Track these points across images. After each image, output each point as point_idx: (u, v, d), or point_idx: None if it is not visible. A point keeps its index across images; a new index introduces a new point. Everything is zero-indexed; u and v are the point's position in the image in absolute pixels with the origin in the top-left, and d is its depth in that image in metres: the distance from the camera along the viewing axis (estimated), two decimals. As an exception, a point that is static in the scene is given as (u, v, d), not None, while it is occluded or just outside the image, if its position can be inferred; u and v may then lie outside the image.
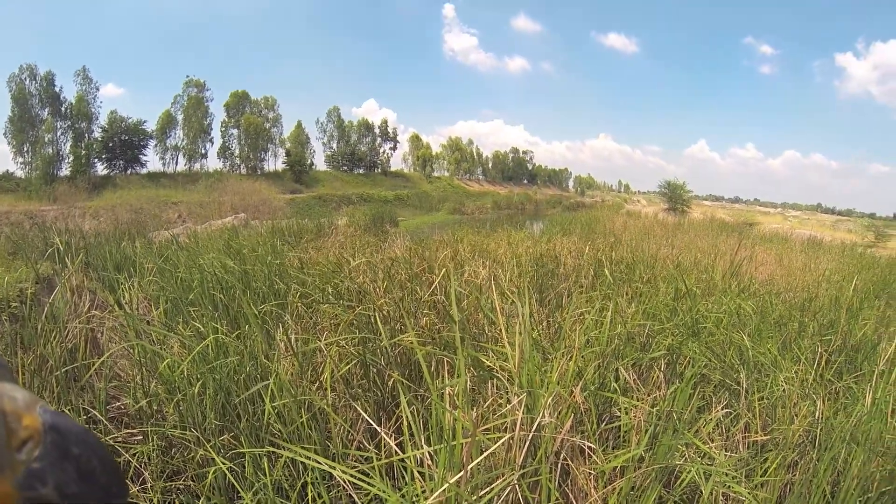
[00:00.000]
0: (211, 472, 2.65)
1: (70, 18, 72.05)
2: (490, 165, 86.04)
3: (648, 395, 3.04)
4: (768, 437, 3.03)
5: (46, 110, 41.58)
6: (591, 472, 2.46)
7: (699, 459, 2.63)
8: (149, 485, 2.87)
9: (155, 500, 2.82)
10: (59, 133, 41.93)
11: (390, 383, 3.43)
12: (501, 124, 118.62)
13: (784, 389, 3.37)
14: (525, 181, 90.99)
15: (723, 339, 4.11)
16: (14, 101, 40.57)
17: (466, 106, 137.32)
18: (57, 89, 41.98)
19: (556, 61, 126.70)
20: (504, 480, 2.13)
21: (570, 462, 2.49)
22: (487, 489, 2.09)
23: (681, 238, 15.11)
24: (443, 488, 1.94)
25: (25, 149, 40.69)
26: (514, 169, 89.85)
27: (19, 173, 40.59)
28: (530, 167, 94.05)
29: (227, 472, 2.47)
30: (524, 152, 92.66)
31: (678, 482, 2.55)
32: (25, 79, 40.98)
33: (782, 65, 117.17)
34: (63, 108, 42.27)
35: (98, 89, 44.69)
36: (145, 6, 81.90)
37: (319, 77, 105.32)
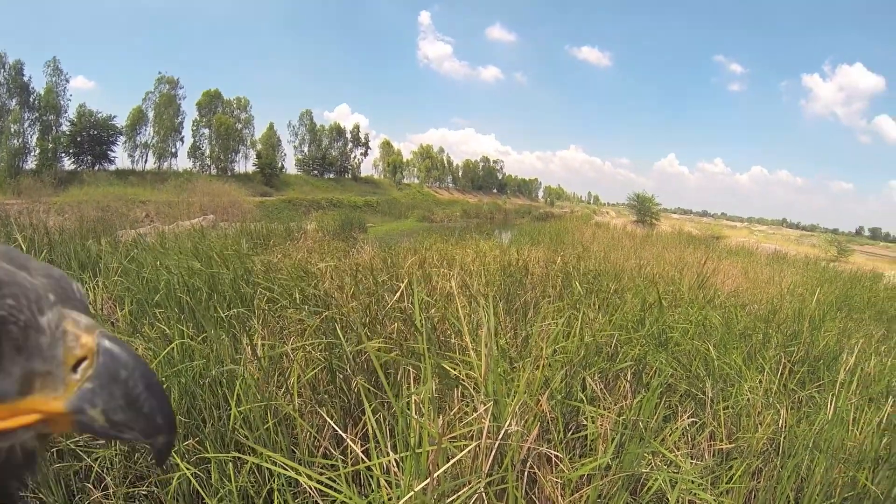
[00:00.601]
0: (175, 478, 2.62)
1: (42, 5, 70.12)
2: (460, 174, 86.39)
3: (615, 405, 3.07)
4: (733, 445, 3.10)
5: (14, 100, 40.62)
6: (558, 480, 2.47)
7: (665, 467, 2.66)
8: (111, 490, 2.83)
9: (118, 507, 2.78)
10: (26, 125, 40.98)
11: (357, 389, 3.41)
12: (473, 133, 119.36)
13: (748, 399, 3.46)
14: (495, 190, 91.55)
15: (689, 349, 4.18)
16: None
17: (439, 114, 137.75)
18: (26, 79, 41.15)
19: (529, 72, 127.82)
20: (470, 488, 2.13)
21: (536, 470, 2.51)
22: (454, 497, 2.09)
23: (649, 250, 15.28)
24: (408, 495, 1.94)
25: None
26: (485, 178, 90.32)
27: None
28: (500, 176, 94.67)
29: (191, 477, 2.44)
30: (494, 161, 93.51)
31: (645, 490, 2.58)
32: None
33: (751, 83, 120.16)
34: (31, 99, 41.31)
35: (68, 81, 43.85)
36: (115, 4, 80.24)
37: (293, 80, 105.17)
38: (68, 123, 43.61)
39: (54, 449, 3.08)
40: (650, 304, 5.01)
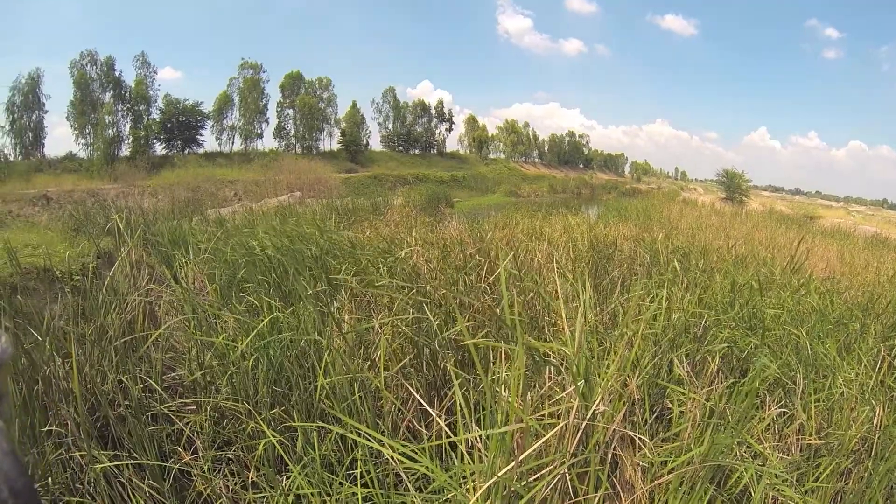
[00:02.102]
0: (261, 445, 2.69)
1: (128, 6, 73.78)
2: (546, 149, 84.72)
3: (702, 389, 2.95)
4: (823, 441, 2.92)
5: (108, 94, 42.98)
6: (640, 463, 2.41)
7: (751, 459, 2.56)
8: (200, 453, 2.94)
9: (205, 468, 2.89)
10: (118, 115, 43.29)
11: (443, 365, 3.42)
12: (557, 107, 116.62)
13: (842, 392, 3.23)
14: (581, 165, 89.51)
15: (780, 335, 3.99)
16: (76, 85, 41.95)
17: (522, 88, 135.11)
18: (117, 74, 43.30)
19: (611, 44, 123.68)
20: (554, 469, 2.10)
21: (619, 452, 2.45)
22: (537, 476, 2.07)
23: (738, 229, 14.71)
24: (492, 480, 1.93)
25: (87, 131, 42.06)
26: (570, 153, 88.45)
27: (82, 154, 41.98)
28: (586, 151, 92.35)
29: (276, 444, 2.50)
30: (580, 136, 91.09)
31: (728, 482, 2.49)
32: (86, 64, 42.34)
33: (848, 49, 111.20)
34: (123, 92, 43.65)
35: (156, 73, 45.98)
36: None
37: (373, 58, 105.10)
38: (158, 111, 45.95)
39: (149, 413, 3.22)
40: (741, 285, 4.82)
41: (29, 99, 40.10)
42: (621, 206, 23.32)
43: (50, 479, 2.89)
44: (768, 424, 2.93)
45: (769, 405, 3.05)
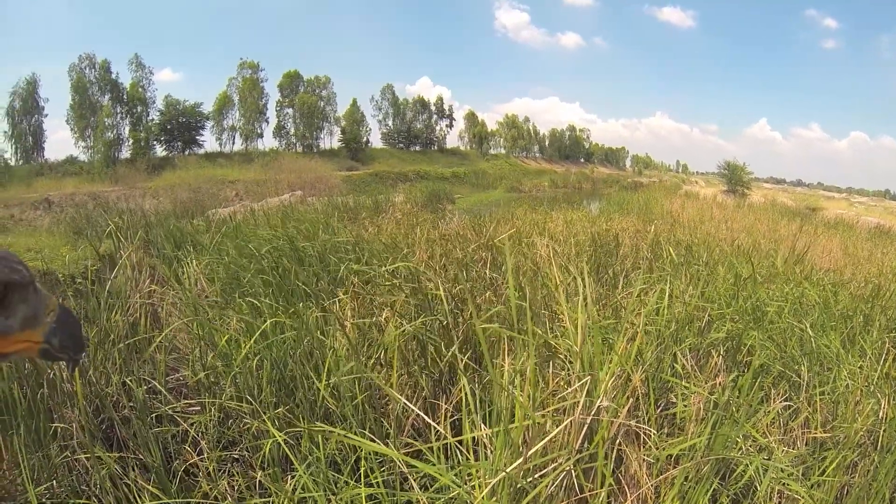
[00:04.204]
0: (266, 444, 2.70)
1: (125, 9, 74.28)
2: (547, 143, 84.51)
3: (706, 383, 2.95)
4: (829, 434, 2.90)
5: (106, 97, 43.21)
6: (645, 458, 2.41)
7: (756, 453, 2.56)
8: (205, 454, 2.95)
9: (211, 468, 2.91)
10: (118, 118, 43.58)
11: (447, 362, 3.42)
12: (557, 101, 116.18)
13: (847, 385, 3.22)
14: (582, 160, 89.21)
15: (784, 327, 3.98)
16: (73, 89, 42.15)
17: (521, 83, 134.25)
18: (113, 76, 43.55)
19: (609, 36, 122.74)
20: (560, 465, 2.10)
21: (624, 447, 2.45)
22: (542, 472, 2.07)
23: (740, 221, 14.68)
24: (499, 477, 1.93)
25: (87, 134, 42.30)
26: (571, 147, 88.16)
27: (82, 157, 42.33)
28: (587, 145, 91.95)
29: (282, 443, 2.50)
30: (581, 130, 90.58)
31: (733, 475, 2.49)
32: (85, 68, 42.51)
33: (847, 39, 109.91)
34: (121, 94, 43.89)
35: (152, 74, 46.14)
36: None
37: (371, 56, 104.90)
38: (157, 113, 46.32)
39: (154, 414, 3.24)
40: (744, 278, 4.82)
41: (28, 103, 40.40)
42: (623, 199, 23.25)
43: (55, 481, 2.90)
44: (773, 418, 2.91)
45: (774, 398, 3.04)
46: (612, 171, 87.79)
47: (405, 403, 2.78)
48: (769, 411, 2.88)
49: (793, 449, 2.82)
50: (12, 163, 39.01)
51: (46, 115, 41.66)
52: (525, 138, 78.78)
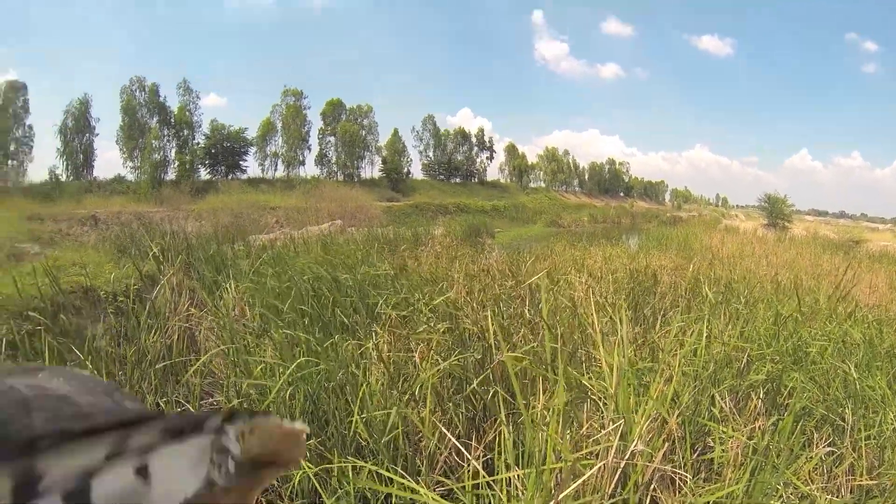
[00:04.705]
0: (297, 476, 2.70)
1: (177, 37, 77.48)
2: (586, 177, 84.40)
3: (745, 426, 2.87)
4: (875, 481, 2.80)
5: (154, 119, 44.95)
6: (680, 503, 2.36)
7: (798, 502, 2.48)
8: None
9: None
10: (165, 140, 45.23)
11: (482, 400, 3.41)
12: (597, 134, 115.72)
13: (894, 428, 3.12)
14: (621, 193, 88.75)
15: (827, 368, 3.87)
16: (123, 110, 43.96)
17: (561, 115, 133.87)
18: (161, 99, 45.31)
19: (649, 67, 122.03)
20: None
21: (659, 493, 2.40)
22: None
23: (781, 256, 14.39)
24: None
25: (135, 154, 43.88)
26: (610, 181, 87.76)
27: (130, 177, 43.82)
28: (626, 179, 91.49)
29: (312, 476, 2.50)
30: (620, 164, 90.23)
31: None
32: (135, 90, 44.47)
33: (888, 62, 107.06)
34: (169, 117, 45.62)
35: (199, 98, 47.92)
36: (242, 25, 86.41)
37: (412, 86, 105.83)
38: (203, 137, 48.00)
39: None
40: (784, 317, 4.71)
41: (80, 122, 42.11)
42: (662, 235, 23.03)
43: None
44: (816, 464, 2.81)
45: (816, 443, 2.94)
46: (651, 205, 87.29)
47: (436, 442, 2.77)
48: (811, 457, 2.77)
49: (837, 497, 2.74)
50: (63, 179, 40.70)
51: (97, 135, 43.33)
52: (565, 172, 78.72)
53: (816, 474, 2.82)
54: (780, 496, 2.51)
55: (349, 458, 2.72)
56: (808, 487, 2.57)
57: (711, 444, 2.86)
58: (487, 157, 67.17)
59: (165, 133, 45.16)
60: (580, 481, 2.08)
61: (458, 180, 63.21)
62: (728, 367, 3.59)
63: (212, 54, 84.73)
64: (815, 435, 3.09)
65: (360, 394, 3.03)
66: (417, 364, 3.60)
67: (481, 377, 3.45)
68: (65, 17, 67.17)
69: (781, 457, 2.49)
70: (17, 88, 40.37)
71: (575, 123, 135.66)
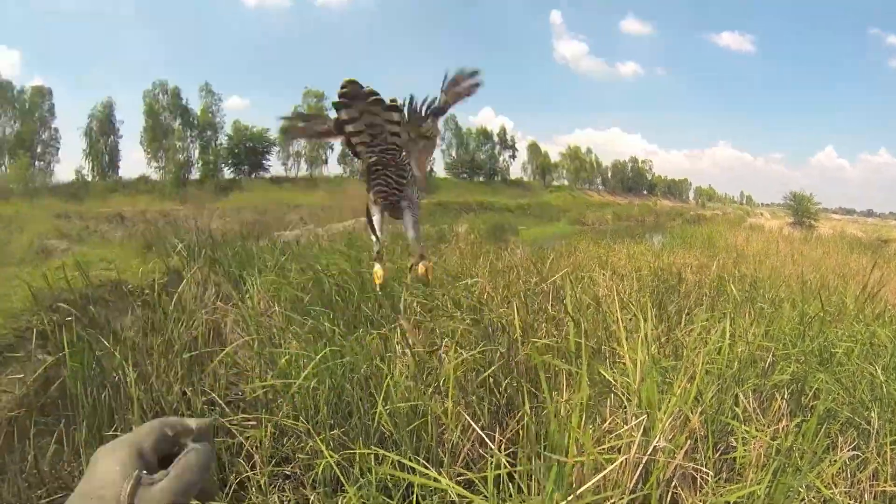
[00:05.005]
0: (319, 465, 2.73)
1: (199, 41, 79.21)
2: (609, 175, 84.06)
3: (768, 427, 2.84)
4: None
5: (177, 121, 46.71)
6: (700, 502, 2.35)
7: None
8: (258, 468, 3.00)
9: (262, 482, 2.95)
10: (188, 141, 47.03)
11: (507, 392, 3.42)
12: (619, 132, 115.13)
13: None
14: (644, 192, 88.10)
15: (853, 370, 3.82)
16: (146, 113, 45.73)
17: (582, 114, 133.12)
18: (183, 102, 47.18)
19: (669, 65, 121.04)
20: (612, 505, 2.07)
21: (680, 491, 2.40)
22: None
23: (807, 255, 14.18)
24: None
25: (159, 155, 45.54)
26: (634, 179, 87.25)
27: (154, 177, 45.33)
28: (649, 177, 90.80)
29: (334, 465, 2.52)
30: (643, 162, 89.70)
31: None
32: (158, 93, 46.31)
33: None
34: (192, 119, 47.40)
35: (221, 100, 49.73)
36: (261, 29, 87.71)
37: (434, 86, 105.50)
38: (226, 137, 49.59)
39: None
40: (810, 316, 4.66)
41: (104, 125, 43.88)
42: (686, 233, 22.84)
43: None
44: (839, 468, 2.76)
45: (840, 446, 2.89)
46: (674, 203, 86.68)
47: (459, 434, 2.79)
48: (835, 460, 2.73)
49: (859, 503, 2.71)
50: (89, 179, 41.91)
51: (121, 136, 45.19)
52: (588, 170, 78.51)
53: (839, 478, 2.76)
54: (802, 499, 2.49)
55: (372, 447, 2.75)
56: (831, 492, 2.53)
57: (734, 443, 2.84)
58: (510, 156, 67.31)
59: (189, 134, 46.70)
60: (601, 475, 2.09)
61: (481, 179, 63.25)
62: (752, 366, 3.56)
63: (233, 58, 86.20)
64: (840, 438, 3.02)
65: (385, 385, 3.06)
66: (442, 356, 3.62)
67: (512, 375, 3.48)
68: (88, 24, 68.98)
69: (804, 459, 2.47)
70: (43, 93, 42.05)
71: (596, 122, 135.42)
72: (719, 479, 2.56)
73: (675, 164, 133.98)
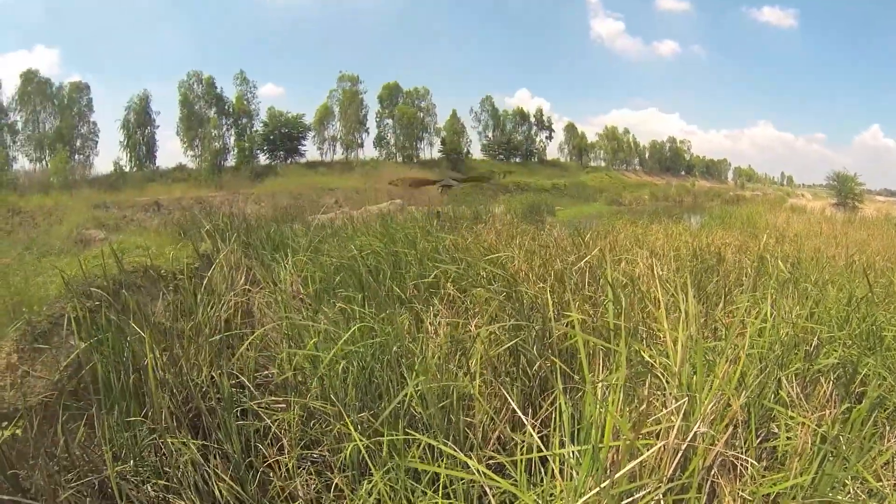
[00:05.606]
0: (347, 448, 2.70)
1: (234, 31, 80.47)
2: (647, 155, 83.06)
3: (813, 414, 2.69)
4: None
5: (212, 110, 47.77)
6: (740, 492, 2.23)
7: (867, 498, 2.33)
8: (286, 451, 3.00)
9: (290, 466, 2.95)
10: (224, 129, 48.07)
11: (540, 374, 3.35)
12: (656, 112, 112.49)
13: None
14: (682, 172, 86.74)
15: (903, 355, 3.64)
16: (181, 103, 46.79)
17: (618, 94, 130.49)
18: (218, 91, 48.10)
19: (707, 42, 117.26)
20: (649, 494, 1.98)
21: (719, 478, 2.29)
22: (630, 500, 1.96)
23: (852, 237, 13.78)
24: (583, 500, 1.84)
25: (195, 143, 46.70)
26: (671, 159, 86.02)
27: (190, 165, 46.63)
28: (687, 157, 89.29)
29: (362, 448, 2.48)
30: (681, 142, 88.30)
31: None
32: (192, 84, 47.30)
33: None
34: (226, 107, 48.36)
35: (256, 88, 50.54)
36: (297, 14, 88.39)
37: (469, 68, 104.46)
38: (261, 124, 50.52)
39: (239, 408, 3.33)
40: (858, 298, 4.48)
41: (141, 117, 45.02)
42: (725, 213, 22.45)
43: (139, 459, 3.15)
44: (888, 459, 2.58)
45: (889, 436, 2.75)
46: (713, 183, 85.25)
47: (491, 416, 2.73)
48: (884, 451, 2.55)
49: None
50: (127, 169, 43.15)
51: (158, 127, 46.27)
52: (625, 150, 77.99)
53: (888, 470, 2.59)
54: (848, 491, 2.37)
55: (401, 430, 2.70)
56: (879, 484, 2.37)
57: (775, 430, 2.72)
58: (547, 137, 67.09)
59: (224, 122, 47.68)
60: (637, 461, 2.01)
61: (517, 160, 63.07)
62: (796, 349, 3.42)
63: (269, 46, 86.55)
64: (889, 427, 2.89)
65: (416, 367, 3.01)
66: (474, 337, 3.56)
67: (546, 355, 3.41)
68: (123, 19, 70.48)
69: (852, 449, 2.34)
70: (81, 89, 43.11)
71: (633, 102, 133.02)
72: (760, 468, 2.45)
73: (714, 144, 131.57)
